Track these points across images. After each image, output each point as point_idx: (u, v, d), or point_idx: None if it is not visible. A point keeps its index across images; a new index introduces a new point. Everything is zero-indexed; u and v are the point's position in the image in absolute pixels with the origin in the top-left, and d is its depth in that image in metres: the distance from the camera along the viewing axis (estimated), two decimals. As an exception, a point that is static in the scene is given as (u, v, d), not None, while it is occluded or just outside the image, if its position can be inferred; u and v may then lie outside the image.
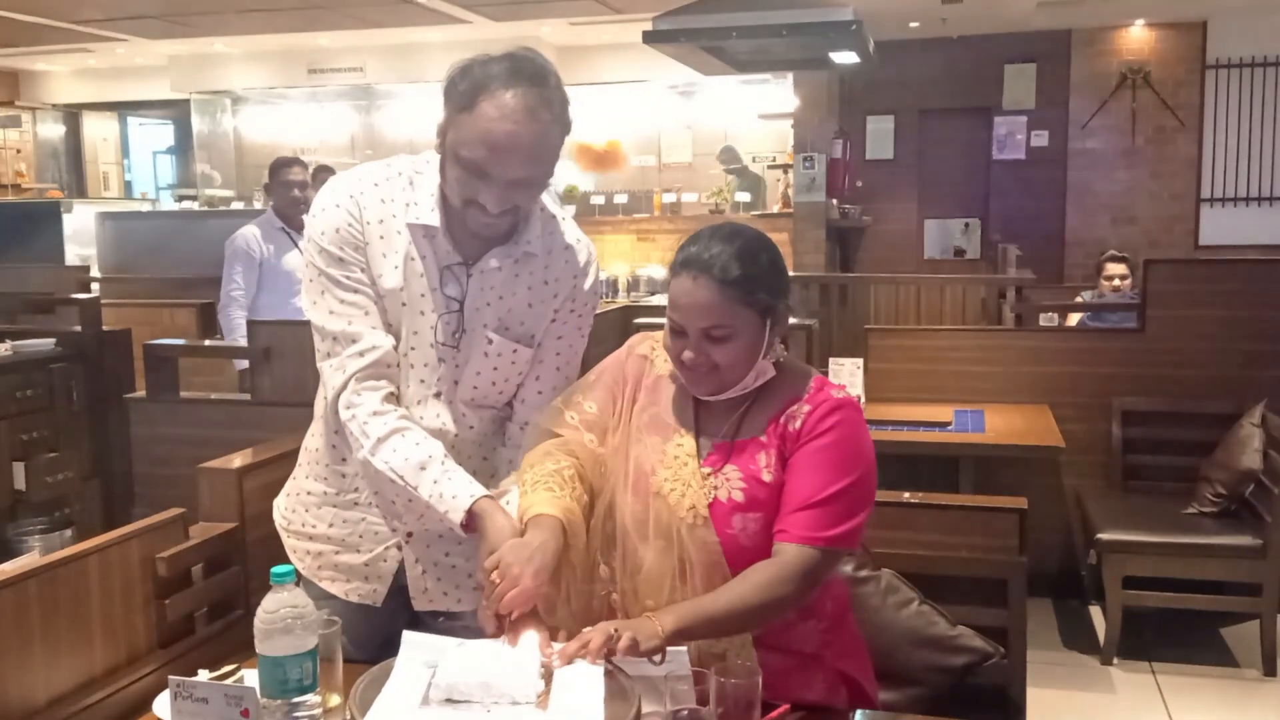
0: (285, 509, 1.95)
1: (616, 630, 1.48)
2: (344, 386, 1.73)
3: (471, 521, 1.67)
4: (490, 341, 1.80)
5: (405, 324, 1.78)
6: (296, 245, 4.62)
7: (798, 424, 1.65)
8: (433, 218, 1.75)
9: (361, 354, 1.74)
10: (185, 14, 7.78)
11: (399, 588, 1.87)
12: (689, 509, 1.64)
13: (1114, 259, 5.46)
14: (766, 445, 1.66)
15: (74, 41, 8.81)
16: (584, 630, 1.50)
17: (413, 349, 1.79)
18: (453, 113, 1.67)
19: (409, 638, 1.56)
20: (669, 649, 1.53)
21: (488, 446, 1.89)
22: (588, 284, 1.89)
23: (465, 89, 1.65)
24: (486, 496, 1.69)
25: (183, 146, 11.62)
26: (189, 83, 9.96)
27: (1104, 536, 3.67)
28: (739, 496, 1.64)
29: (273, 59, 9.53)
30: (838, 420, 1.64)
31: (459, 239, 1.77)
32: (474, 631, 1.63)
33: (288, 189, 4.71)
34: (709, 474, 1.67)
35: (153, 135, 12.54)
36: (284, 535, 1.94)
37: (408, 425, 1.73)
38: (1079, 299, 5.46)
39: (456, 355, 1.80)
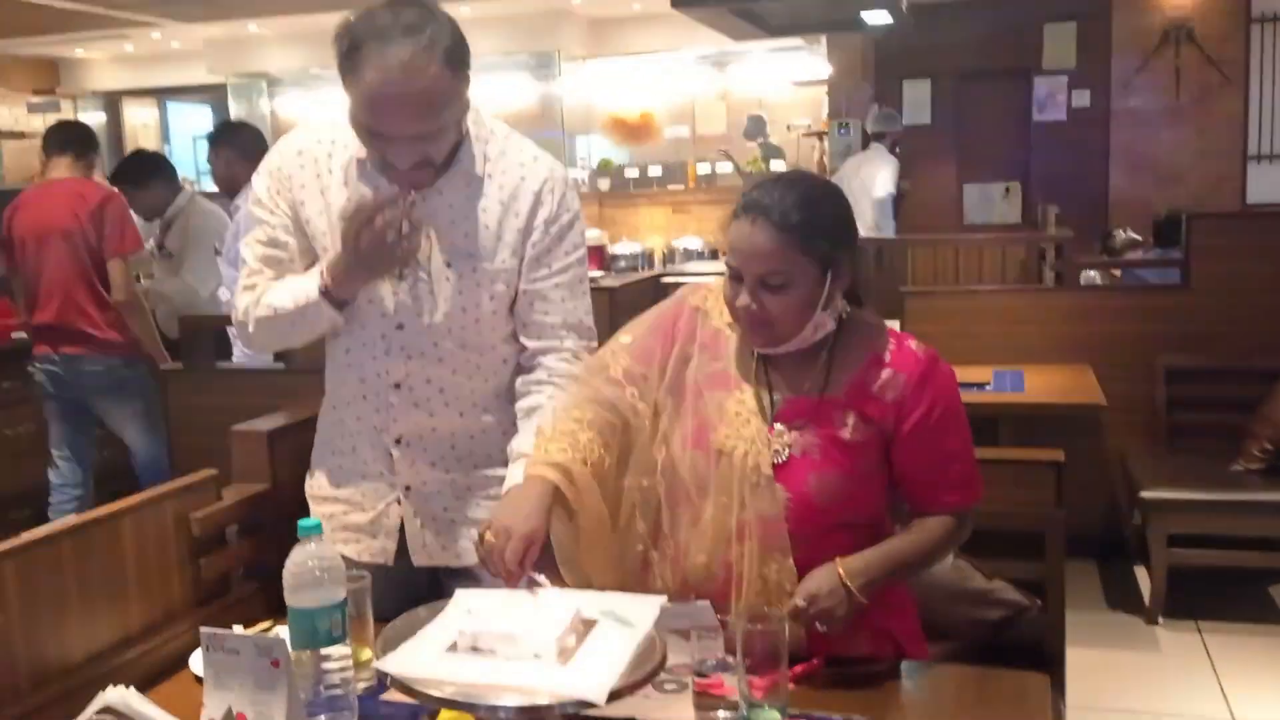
0: (308, 475, 1.99)
1: (824, 629, 1.56)
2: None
3: (329, 285, 1.75)
4: (449, 265, 1.78)
5: None
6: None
7: (895, 395, 1.64)
8: (361, 152, 1.77)
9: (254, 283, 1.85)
10: (219, -4, 7.83)
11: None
12: (752, 468, 1.63)
13: (1133, 244, 5.53)
14: (847, 405, 1.65)
15: (111, 28, 8.89)
16: (799, 604, 1.56)
17: (364, 287, 1.79)
18: (343, 75, 1.66)
19: (462, 592, 1.56)
20: (697, 603, 1.53)
21: (477, 380, 1.85)
22: (555, 200, 1.83)
23: (346, 50, 1.64)
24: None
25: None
26: (225, 66, 10.03)
27: (1148, 495, 3.62)
28: (815, 454, 1.64)
29: (307, 40, 9.55)
30: (937, 385, 1.66)
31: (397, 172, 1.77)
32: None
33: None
34: (782, 431, 1.66)
35: (192, 120, 12.65)
36: (310, 503, 1.96)
37: (282, 281, 1.83)
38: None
39: (415, 287, 1.78)
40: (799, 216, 1.58)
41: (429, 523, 1.87)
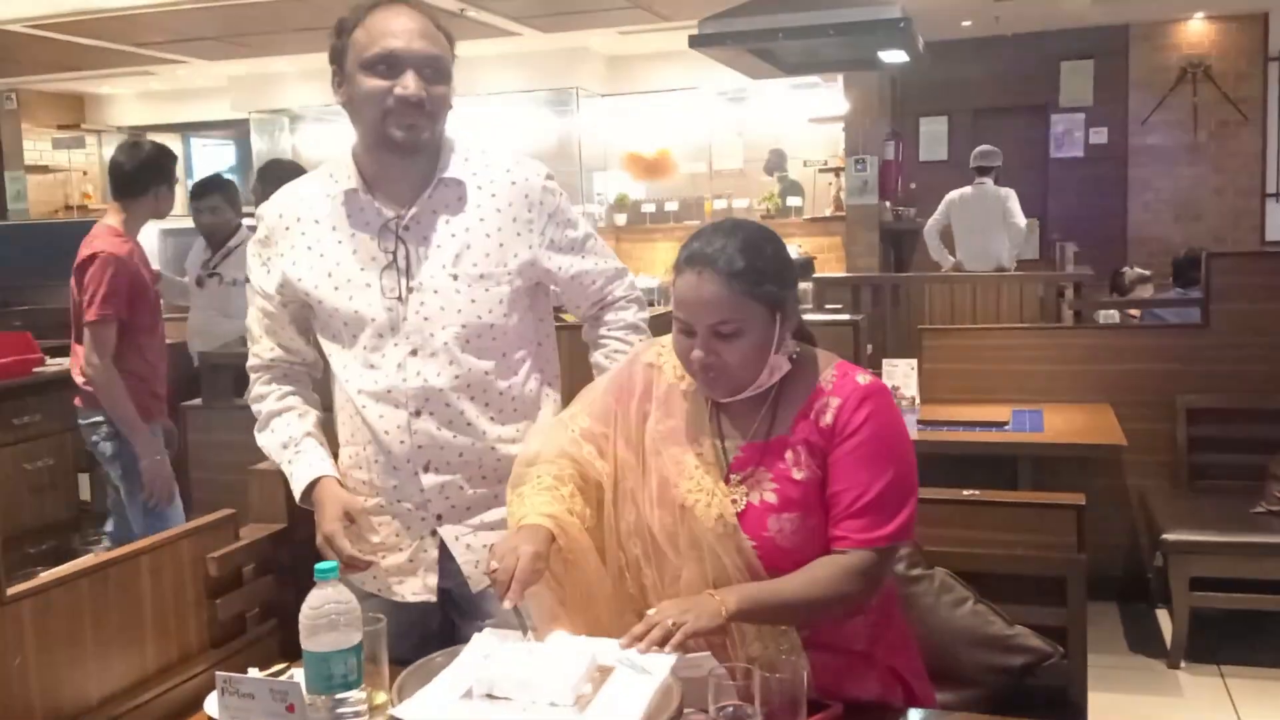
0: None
1: (675, 623, 1.47)
2: (251, 370, 1.99)
3: (307, 497, 1.87)
4: (456, 278, 1.82)
5: (347, 302, 1.84)
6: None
7: (829, 419, 1.62)
8: (350, 183, 1.85)
9: (256, 355, 1.97)
10: (244, 34, 7.93)
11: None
12: (716, 518, 1.62)
13: (1142, 280, 5.51)
14: (794, 442, 1.63)
15: (136, 64, 9.02)
16: (650, 613, 1.51)
17: (372, 320, 1.83)
18: (344, 45, 1.81)
19: (479, 637, 1.56)
20: (695, 654, 1.51)
21: (499, 385, 1.87)
22: (550, 193, 1.92)
23: (349, 25, 1.80)
24: (327, 477, 1.87)
25: (244, 165, 11.82)
26: (248, 102, 10.15)
27: (1169, 537, 3.58)
28: (772, 498, 1.62)
29: (328, 77, 9.64)
30: (870, 411, 1.61)
31: (387, 196, 1.84)
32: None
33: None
34: (739, 479, 1.64)
35: (215, 155, 12.79)
36: None
37: (286, 406, 1.93)
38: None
39: (423, 307, 1.82)
40: (744, 262, 1.58)
41: (473, 540, 1.87)
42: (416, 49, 1.76)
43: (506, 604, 1.54)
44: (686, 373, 1.69)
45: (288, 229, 1.89)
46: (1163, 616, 3.91)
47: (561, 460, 1.72)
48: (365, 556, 1.81)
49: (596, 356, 2.00)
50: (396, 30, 1.76)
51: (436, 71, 1.79)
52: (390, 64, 1.76)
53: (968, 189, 7.27)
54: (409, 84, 1.76)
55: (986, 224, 7.20)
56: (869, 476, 1.59)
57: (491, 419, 1.87)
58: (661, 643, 1.46)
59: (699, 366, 1.61)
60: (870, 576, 1.60)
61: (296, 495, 1.88)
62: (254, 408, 1.97)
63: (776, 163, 9.15)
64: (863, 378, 1.65)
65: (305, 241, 1.87)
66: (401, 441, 1.83)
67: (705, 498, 1.63)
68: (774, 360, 1.64)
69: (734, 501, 1.63)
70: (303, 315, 1.93)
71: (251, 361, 1.99)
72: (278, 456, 1.92)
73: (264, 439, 1.94)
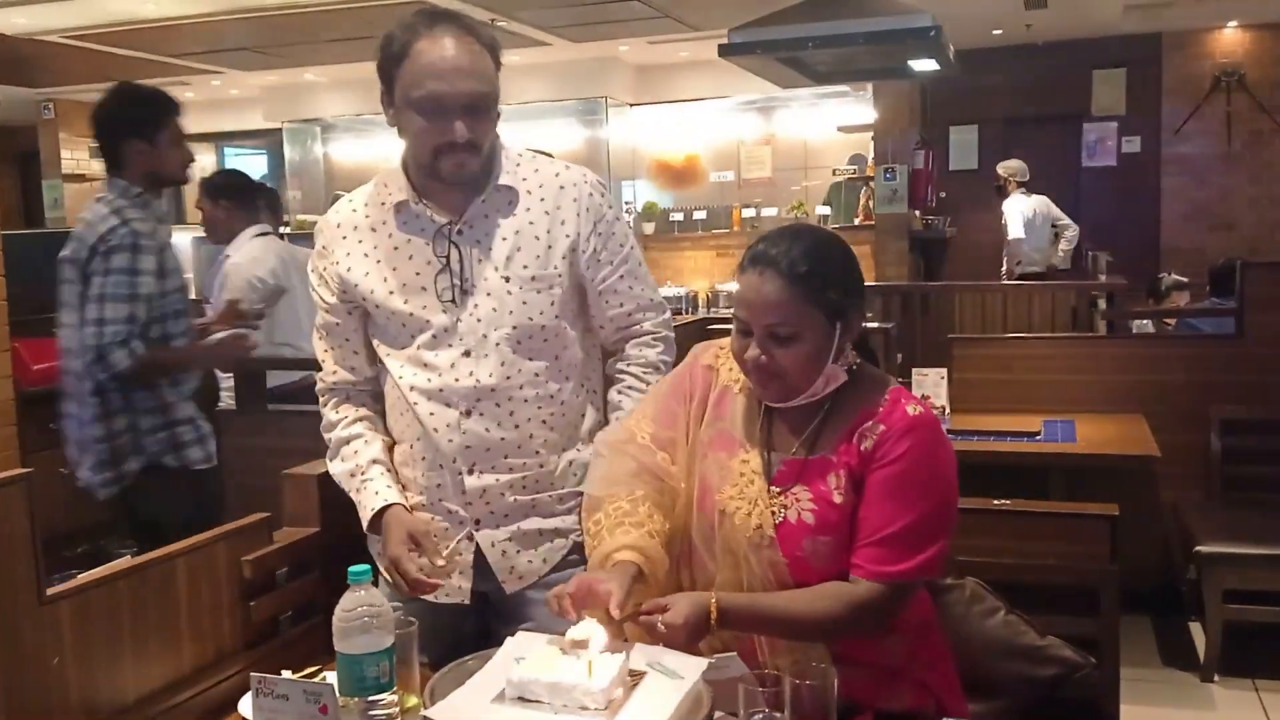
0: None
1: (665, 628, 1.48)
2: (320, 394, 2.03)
3: (374, 525, 1.88)
4: (508, 280, 1.85)
5: (403, 305, 1.87)
6: None
7: (870, 444, 1.60)
8: (402, 194, 1.88)
9: (321, 378, 2.01)
10: (277, 45, 8.02)
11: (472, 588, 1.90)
12: (755, 528, 1.61)
13: (1179, 286, 5.47)
14: (837, 465, 1.62)
15: (171, 75, 9.13)
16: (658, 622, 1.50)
17: (427, 322, 1.86)
18: (391, 73, 1.80)
19: (511, 640, 1.57)
20: (722, 655, 1.51)
21: (550, 387, 1.89)
22: (598, 201, 1.94)
23: (395, 50, 1.79)
24: (394, 505, 1.87)
25: (276, 174, 11.94)
26: (281, 112, 10.25)
27: (1203, 549, 3.55)
28: (809, 518, 1.60)
29: (360, 86, 9.73)
30: (911, 444, 1.58)
31: (439, 204, 1.87)
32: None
33: None
34: (779, 493, 1.63)
35: (248, 164, 12.91)
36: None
37: (354, 434, 1.94)
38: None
39: (476, 309, 1.84)
40: (806, 267, 1.57)
41: (508, 545, 1.88)
42: (462, 90, 1.76)
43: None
44: (741, 373, 1.68)
45: (344, 238, 1.92)
46: (1196, 629, 3.87)
47: (634, 480, 1.70)
48: (431, 580, 1.81)
49: (612, 394, 1.97)
50: (442, 69, 1.75)
51: (485, 103, 1.80)
52: (437, 108, 1.77)
53: (1021, 199, 7.94)
54: (457, 130, 1.77)
55: (1038, 230, 7.97)
56: (895, 509, 1.57)
57: (543, 422, 1.88)
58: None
59: (753, 366, 1.61)
60: (876, 610, 1.57)
61: (364, 525, 1.90)
62: (325, 435, 1.99)
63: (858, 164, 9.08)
64: (913, 408, 1.62)
65: (362, 249, 1.91)
66: (450, 440, 1.85)
67: (747, 506, 1.63)
68: (830, 370, 1.62)
69: (773, 514, 1.62)
70: (365, 324, 1.95)
71: (318, 385, 2.02)
72: (346, 485, 1.94)
73: (334, 467, 1.96)
